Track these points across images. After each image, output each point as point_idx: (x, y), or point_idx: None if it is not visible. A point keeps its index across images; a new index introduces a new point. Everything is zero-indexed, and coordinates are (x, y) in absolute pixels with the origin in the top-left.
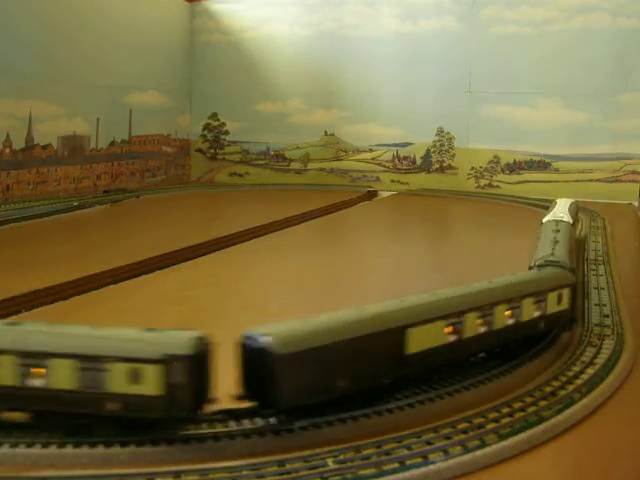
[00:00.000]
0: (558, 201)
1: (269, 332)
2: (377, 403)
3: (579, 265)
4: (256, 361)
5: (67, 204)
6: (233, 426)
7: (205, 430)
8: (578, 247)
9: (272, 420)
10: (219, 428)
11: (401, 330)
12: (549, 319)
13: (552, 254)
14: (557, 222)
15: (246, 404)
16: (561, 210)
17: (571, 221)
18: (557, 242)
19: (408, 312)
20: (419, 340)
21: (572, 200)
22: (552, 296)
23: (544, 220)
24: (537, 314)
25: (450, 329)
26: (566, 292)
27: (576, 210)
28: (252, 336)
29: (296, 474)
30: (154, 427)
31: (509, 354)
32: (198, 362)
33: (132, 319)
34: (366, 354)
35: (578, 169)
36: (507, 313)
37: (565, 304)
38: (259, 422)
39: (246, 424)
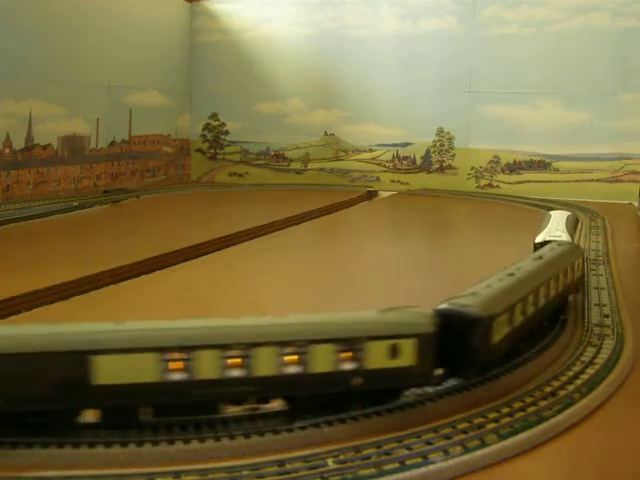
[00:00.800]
0: (552, 214)
1: None
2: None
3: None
4: None
5: (67, 204)
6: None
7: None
8: (582, 272)
9: None
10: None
11: (81, 356)
12: (373, 376)
13: (474, 293)
14: (556, 245)
15: None
16: (557, 226)
17: (569, 239)
18: (511, 275)
19: (99, 337)
20: (118, 371)
21: (568, 213)
22: (377, 347)
23: (537, 240)
24: (346, 367)
25: (176, 365)
26: (409, 343)
27: (574, 224)
28: None
29: (296, 474)
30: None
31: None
32: None
33: (132, 319)
34: (24, 375)
35: (578, 169)
36: (287, 359)
37: (408, 359)
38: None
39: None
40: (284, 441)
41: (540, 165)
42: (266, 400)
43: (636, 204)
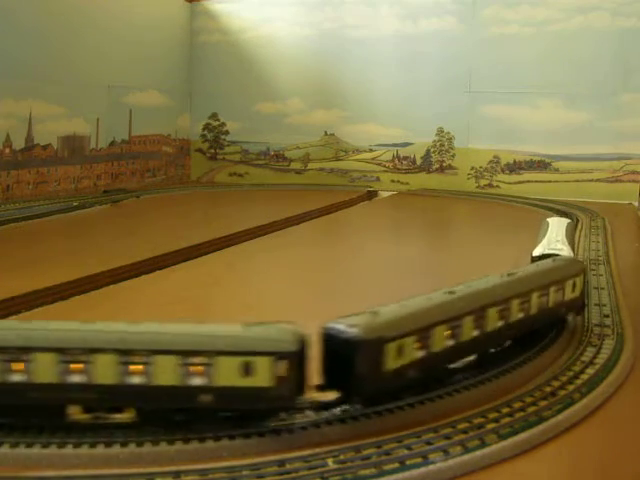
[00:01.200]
0: (550, 222)
1: None
2: None
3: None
4: None
5: (67, 204)
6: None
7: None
8: (580, 292)
9: None
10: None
11: None
12: (224, 394)
13: (374, 312)
14: (551, 261)
15: None
16: (556, 237)
17: (571, 253)
18: (450, 293)
19: None
20: None
21: (567, 220)
22: (228, 363)
23: (535, 253)
24: (193, 382)
25: (16, 366)
26: (265, 362)
27: (573, 233)
28: None
29: (296, 474)
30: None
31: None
32: None
33: (132, 319)
34: None
35: (578, 169)
36: (131, 368)
37: (263, 380)
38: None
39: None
40: (284, 441)
41: (540, 165)
42: (119, 410)
43: (636, 204)
